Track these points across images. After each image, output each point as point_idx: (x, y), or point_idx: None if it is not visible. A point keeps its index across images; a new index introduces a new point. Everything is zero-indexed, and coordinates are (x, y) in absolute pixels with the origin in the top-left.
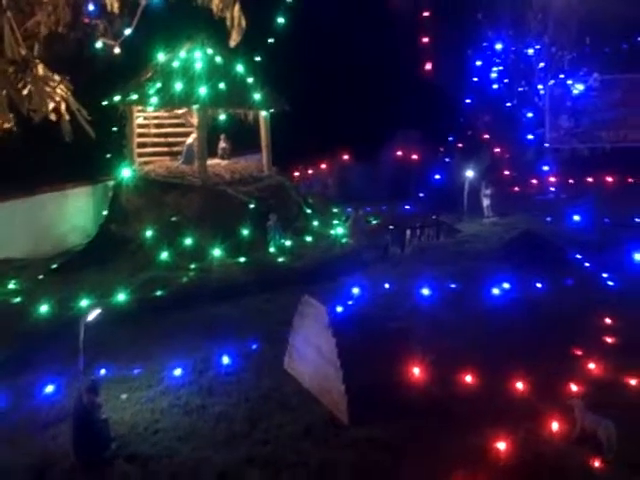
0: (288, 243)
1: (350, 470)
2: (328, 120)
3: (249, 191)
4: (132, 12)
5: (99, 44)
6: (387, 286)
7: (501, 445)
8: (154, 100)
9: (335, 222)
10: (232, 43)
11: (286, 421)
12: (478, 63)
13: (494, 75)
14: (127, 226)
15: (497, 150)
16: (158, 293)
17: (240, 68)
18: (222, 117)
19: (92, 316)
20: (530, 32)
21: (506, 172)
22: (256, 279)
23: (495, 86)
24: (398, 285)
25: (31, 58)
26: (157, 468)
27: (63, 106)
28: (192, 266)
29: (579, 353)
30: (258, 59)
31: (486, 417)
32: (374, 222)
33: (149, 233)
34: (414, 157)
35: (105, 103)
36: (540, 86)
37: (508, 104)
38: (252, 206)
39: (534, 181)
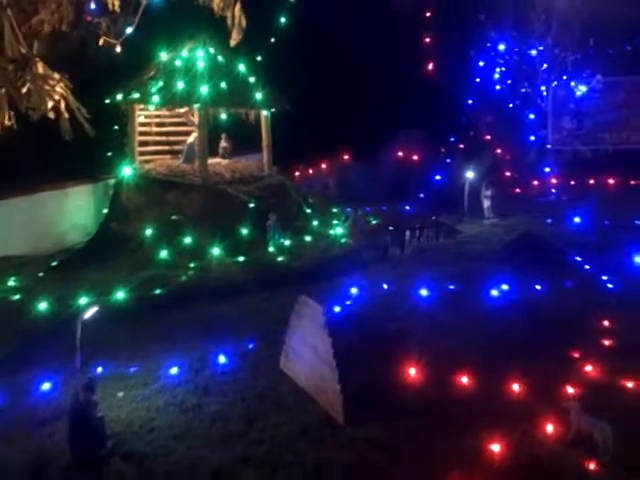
0: (287, 243)
1: (345, 470)
2: (329, 120)
3: (249, 190)
4: (134, 11)
5: (101, 42)
6: (386, 286)
7: (497, 446)
8: (156, 99)
9: (335, 222)
10: (232, 42)
11: (282, 421)
12: (481, 64)
13: (497, 76)
14: (127, 224)
15: (499, 151)
16: (157, 292)
17: (242, 67)
18: (223, 116)
19: (89, 314)
20: (533, 33)
21: (507, 173)
22: (255, 278)
23: (498, 87)
24: (397, 286)
25: (31, 56)
26: (152, 466)
27: (62, 104)
28: (191, 265)
29: (577, 355)
30: (260, 59)
31: (482, 418)
32: (374, 222)
33: (149, 232)
34: (415, 157)
35: (107, 101)
36: (543, 87)
37: (510, 105)
38: (252, 205)
39: (535, 182)
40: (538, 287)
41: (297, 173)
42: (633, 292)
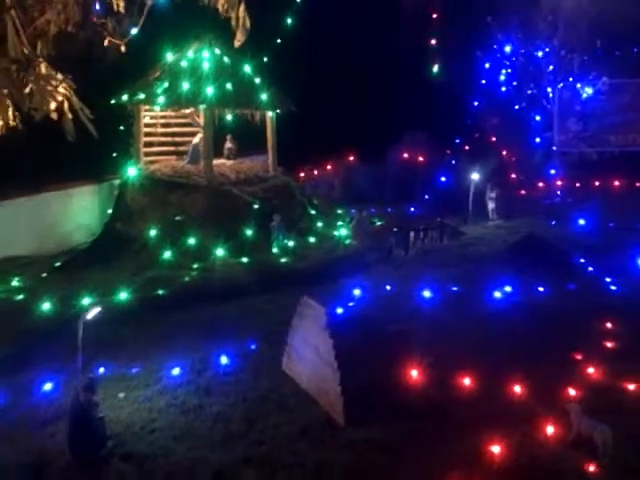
0: (291, 244)
1: (345, 471)
2: (334, 121)
3: (254, 191)
4: (140, 11)
5: (106, 43)
6: (389, 288)
7: (497, 448)
8: (161, 100)
9: (339, 223)
10: (237, 43)
11: (283, 422)
12: (487, 65)
13: (502, 77)
14: (132, 225)
15: (504, 153)
16: (160, 292)
17: (247, 68)
18: (229, 117)
19: (91, 314)
20: (539, 35)
21: (512, 175)
22: (258, 279)
23: (503, 89)
24: (400, 287)
25: (34, 57)
26: (153, 467)
27: (66, 105)
28: (195, 266)
29: (579, 358)
30: (265, 60)
31: (483, 420)
32: (378, 224)
33: (153, 232)
34: (420, 159)
35: (113, 102)
36: (549, 89)
37: (516, 107)
38: (256, 206)
39: (540, 184)
40: (541, 289)
41: (302, 174)
42: (637, 294)
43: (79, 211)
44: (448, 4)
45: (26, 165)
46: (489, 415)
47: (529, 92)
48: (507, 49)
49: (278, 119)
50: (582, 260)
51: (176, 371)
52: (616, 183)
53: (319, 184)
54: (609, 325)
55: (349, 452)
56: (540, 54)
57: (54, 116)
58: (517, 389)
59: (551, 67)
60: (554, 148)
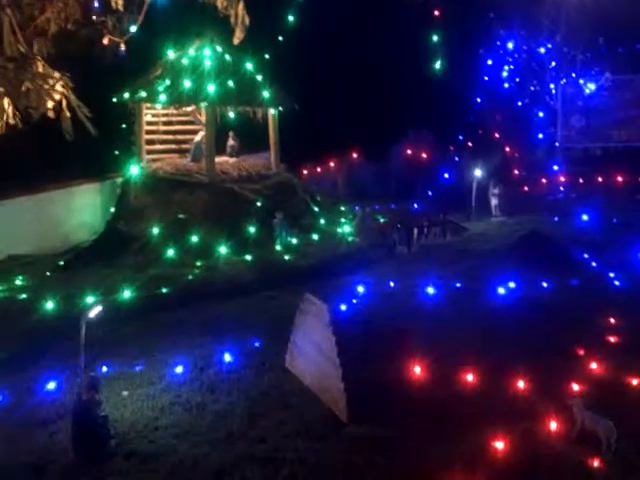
0: (294, 241)
1: (348, 468)
2: (337, 118)
3: (256, 189)
4: (139, 9)
5: (106, 41)
6: (392, 284)
7: (499, 444)
8: (163, 97)
9: (342, 220)
10: (236, 41)
11: (285, 419)
12: (489, 62)
13: (505, 74)
14: (134, 223)
15: (507, 149)
16: (163, 290)
17: (249, 66)
18: (231, 115)
19: (93, 313)
20: (542, 31)
21: (515, 171)
22: (261, 277)
23: (506, 85)
24: (403, 283)
25: (30, 55)
26: (155, 465)
27: (64, 103)
28: (198, 263)
29: (582, 353)
30: (267, 57)
31: (486, 416)
32: (382, 220)
33: (156, 230)
34: (423, 156)
35: (114, 100)
36: (552, 85)
37: (519, 103)
38: (259, 204)
39: (544, 180)
40: (545, 285)
41: (305, 171)
42: None
43: (82, 209)
44: (450, 1)
45: (28, 164)
46: (492, 411)
47: (532, 88)
48: (510, 45)
49: (280, 116)
50: (585, 256)
51: (179, 369)
52: (619, 179)
53: (322, 181)
54: (612, 320)
55: (352, 449)
56: (543, 50)
57: (51, 114)
58: (520, 385)
59: (554, 63)
60: (557, 144)
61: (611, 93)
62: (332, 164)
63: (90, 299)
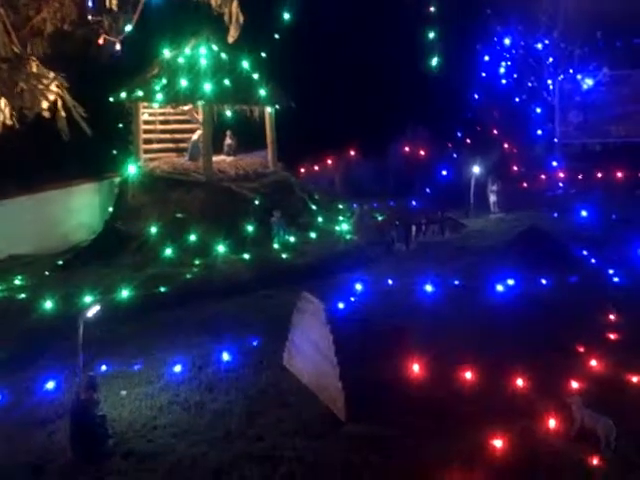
0: (292, 239)
1: (344, 467)
2: (334, 116)
3: (254, 187)
4: (134, 9)
5: (101, 41)
6: (390, 282)
7: (498, 443)
8: (159, 97)
9: (340, 218)
10: (230, 39)
11: (283, 417)
12: (486, 58)
13: (503, 70)
14: (132, 222)
15: (505, 146)
16: (161, 289)
17: (245, 64)
18: (228, 113)
19: (91, 313)
20: (539, 27)
21: (514, 168)
22: (259, 275)
23: (504, 81)
24: (401, 281)
25: (25, 55)
26: (154, 465)
27: (59, 103)
28: (196, 262)
29: (581, 350)
30: (263, 55)
31: (484, 415)
32: (380, 218)
33: (154, 229)
34: (421, 153)
35: (111, 99)
36: (549, 81)
37: (517, 99)
38: (256, 202)
39: (542, 176)
40: (543, 281)
41: (302, 170)
42: (639, 286)
43: (80, 209)
44: None
45: (27, 164)
46: (490, 409)
47: (529, 84)
48: (507, 41)
49: (277, 115)
50: (584, 252)
51: (178, 368)
52: (618, 174)
53: (320, 179)
54: (611, 317)
55: (350, 447)
56: (540, 46)
57: (46, 114)
58: (519, 383)
59: (551, 59)
60: (555, 140)
61: (609, 88)
62: (330, 162)
63: (89, 299)
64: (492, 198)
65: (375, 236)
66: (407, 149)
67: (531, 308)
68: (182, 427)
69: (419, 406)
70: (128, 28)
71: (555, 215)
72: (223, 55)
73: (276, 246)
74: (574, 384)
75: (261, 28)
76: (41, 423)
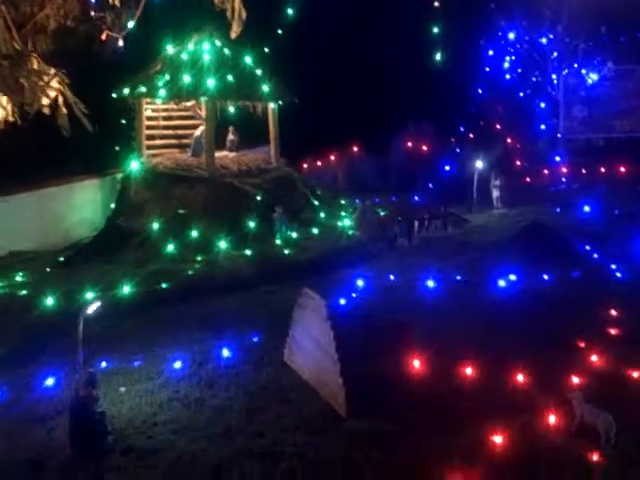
0: (294, 235)
1: (345, 463)
2: (337, 111)
3: (256, 183)
4: (137, 4)
5: (104, 37)
6: (392, 278)
7: (498, 438)
8: (162, 92)
9: (343, 214)
10: (233, 34)
11: (284, 413)
12: (490, 53)
13: (507, 65)
14: (134, 219)
15: (509, 141)
16: (163, 285)
17: (248, 60)
18: (231, 109)
19: (92, 309)
20: (544, 21)
21: (517, 163)
22: (261, 271)
23: (508, 76)
24: (403, 277)
25: (25, 52)
26: (154, 461)
27: (60, 99)
28: (198, 258)
29: (583, 345)
30: (267, 51)
31: (485, 410)
32: (382, 213)
33: (156, 225)
34: (424, 148)
35: (114, 96)
36: (554, 76)
37: (521, 94)
38: (259, 198)
39: (546, 171)
40: (546, 277)
41: (305, 165)
42: None
43: (82, 205)
44: None
45: (29, 160)
46: (491, 405)
47: (534, 79)
48: (511, 36)
49: (280, 110)
50: (587, 247)
51: (178, 364)
52: (622, 169)
53: (322, 175)
54: (613, 312)
55: (351, 443)
56: (544, 41)
57: (47, 111)
58: (520, 378)
59: (555, 54)
60: (559, 135)
61: (613, 83)
62: (332, 157)
63: (90, 295)
64: (495, 193)
65: (377, 231)
66: (410, 144)
67: (533, 303)
68: (182, 423)
69: (420, 402)
70: (131, 24)
71: (558, 210)
72: (226, 51)
73: (278, 242)
74: (575, 379)
75: (264, 24)
76: (41, 419)
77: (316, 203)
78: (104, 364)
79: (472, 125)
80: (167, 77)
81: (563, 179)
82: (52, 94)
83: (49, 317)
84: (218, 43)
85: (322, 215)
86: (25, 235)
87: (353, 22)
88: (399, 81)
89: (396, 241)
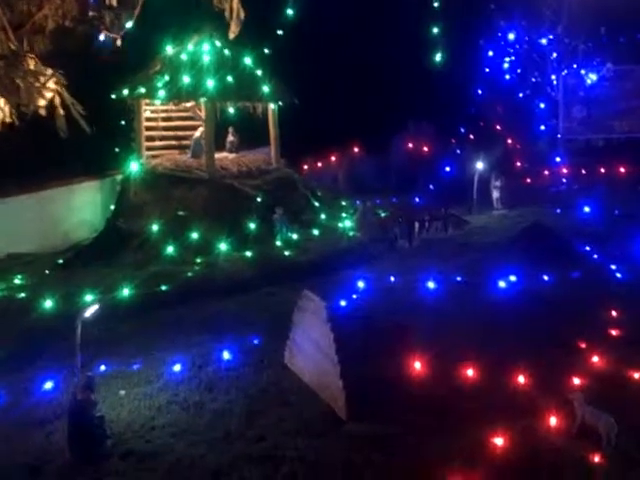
0: (295, 236)
1: (346, 466)
2: (337, 112)
3: (256, 184)
4: (135, 4)
5: (102, 37)
6: (393, 279)
7: (499, 440)
8: (162, 93)
9: (343, 215)
10: (231, 35)
11: (284, 417)
12: (490, 53)
13: (506, 65)
14: (134, 220)
15: (509, 141)
16: (163, 288)
17: (248, 61)
18: (230, 110)
19: (89, 312)
20: (543, 22)
21: (517, 163)
22: (261, 273)
23: (507, 77)
24: (404, 278)
25: (21, 52)
26: (152, 465)
27: (57, 100)
28: (198, 260)
29: (583, 346)
30: (266, 51)
31: (486, 412)
32: (383, 214)
33: (156, 227)
34: (424, 149)
35: (113, 96)
36: (553, 76)
37: (520, 95)
38: (259, 199)
39: (546, 172)
40: (546, 278)
41: (305, 166)
42: None
43: (82, 207)
44: None
45: (28, 162)
46: (492, 407)
47: (533, 80)
48: (511, 37)
49: (280, 111)
50: (587, 248)
51: (177, 367)
52: (622, 170)
53: (323, 176)
54: (614, 313)
55: (351, 446)
56: (544, 41)
57: (43, 112)
58: (520, 380)
59: (555, 54)
60: (559, 136)
61: (612, 84)
62: (333, 158)
63: (89, 298)
64: (495, 194)
65: (378, 233)
66: (410, 145)
67: (534, 304)
68: (181, 427)
69: (421, 404)
70: (129, 24)
71: (558, 211)
72: (226, 51)
73: (279, 243)
74: (575, 381)
75: (264, 24)
76: (39, 423)
77: (316, 204)
78: (103, 367)
79: (472, 126)
80: (166, 78)
81: (563, 180)
82: (49, 95)
83: (48, 320)
84: (218, 44)
85: (322, 216)
86: (24, 237)
87: (353, 22)
88: (399, 81)
89: (397, 242)
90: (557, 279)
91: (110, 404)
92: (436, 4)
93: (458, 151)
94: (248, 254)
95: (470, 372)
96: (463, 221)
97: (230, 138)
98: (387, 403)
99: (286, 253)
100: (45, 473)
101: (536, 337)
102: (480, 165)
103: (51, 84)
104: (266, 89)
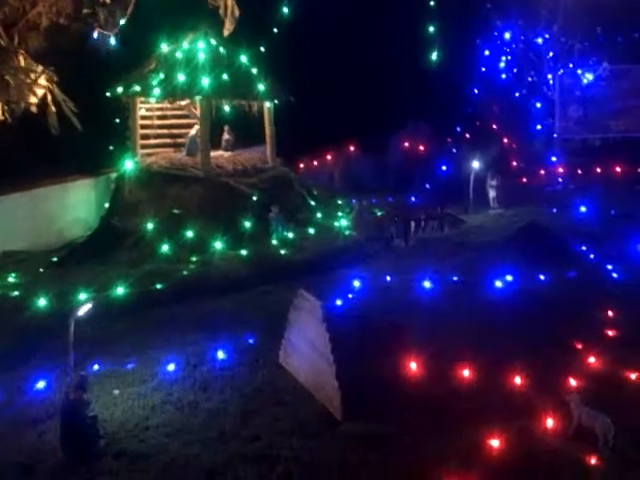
0: (291, 235)
1: (341, 466)
2: (334, 111)
3: (252, 183)
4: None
5: (96, 35)
6: (388, 279)
7: (495, 441)
8: (157, 91)
9: (339, 214)
10: (226, 32)
11: (279, 416)
12: (486, 53)
13: (503, 65)
14: (129, 218)
15: (505, 141)
16: (157, 286)
17: (244, 59)
18: (226, 108)
19: (82, 311)
20: (539, 21)
21: (514, 163)
22: (257, 272)
23: (504, 76)
24: (400, 277)
25: (11, 48)
26: (146, 465)
27: (49, 97)
28: (193, 259)
29: (580, 346)
30: (262, 49)
31: (482, 413)
32: (379, 214)
33: (151, 225)
34: (421, 148)
35: (108, 94)
36: (549, 76)
37: (517, 94)
38: (254, 198)
39: (542, 172)
40: (542, 277)
41: (301, 165)
42: (638, 282)
43: (76, 205)
44: None
45: (22, 160)
46: (488, 407)
47: (529, 79)
48: (507, 36)
49: (276, 110)
50: (584, 247)
51: (172, 366)
52: (618, 170)
53: (319, 175)
54: (610, 313)
55: (346, 446)
56: (540, 40)
57: (34, 109)
58: (517, 380)
59: (551, 53)
60: (555, 135)
61: (609, 83)
62: (329, 157)
63: (83, 296)
64: (491, 193)
65: (374, 232)
66: (406, 144)
67: (530, 304)
68: (175, 427)
69: (416, 404)
70: (122, 21)
71: (554, 210)
72: (221, 49)
73: (274, 242)
74: (572, 381)
75: (260, 22)
76: (32, 423)
77: (312, 203)
78: (97, 367)
79: (468, 125)
80: (161, 76)
81: (559, 179)
82: (40, 92)
83: (41, 318)
84: (213, 42)
85: (318, 215)
86: (18, 235)
87: (349, 21)
88: (396, 81)
89: (393, 242)
90: (553, 279)
91: (104, 403)
92: (432, 3)
93: (454, 150)
94: (243, 253)
95: (466, 372)
96: (459, 220)
97: (225, 136)
98: (383, 403)
99: (282, 252)
100: (38, 472)
101: (532, 337)
102: (476, 164)
103: (42, 81)
104: (262, 87)
